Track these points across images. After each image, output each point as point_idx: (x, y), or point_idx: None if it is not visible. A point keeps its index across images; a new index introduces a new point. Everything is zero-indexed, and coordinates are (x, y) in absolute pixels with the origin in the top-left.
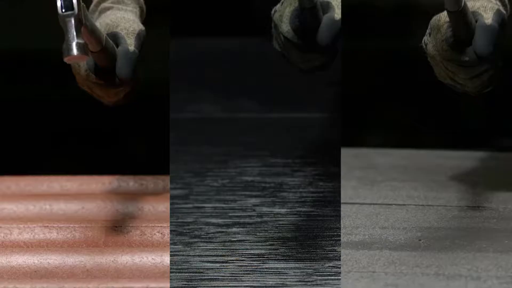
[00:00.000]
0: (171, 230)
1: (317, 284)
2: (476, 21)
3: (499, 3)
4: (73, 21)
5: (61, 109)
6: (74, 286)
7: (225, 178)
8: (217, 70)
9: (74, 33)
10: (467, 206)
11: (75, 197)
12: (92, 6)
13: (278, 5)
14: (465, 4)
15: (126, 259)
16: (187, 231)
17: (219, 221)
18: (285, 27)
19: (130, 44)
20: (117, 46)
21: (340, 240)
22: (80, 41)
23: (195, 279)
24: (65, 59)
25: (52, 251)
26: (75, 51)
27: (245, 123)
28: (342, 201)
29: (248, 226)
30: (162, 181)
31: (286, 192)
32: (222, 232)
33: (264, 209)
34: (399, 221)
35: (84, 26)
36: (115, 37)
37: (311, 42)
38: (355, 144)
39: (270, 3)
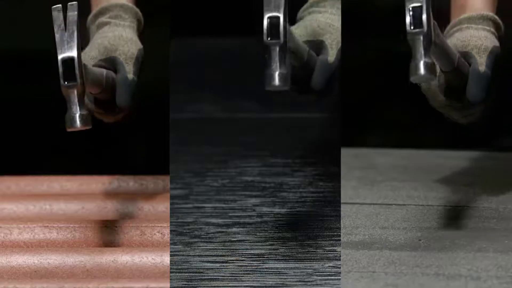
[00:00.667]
0: (171, 230)
1: (317, 284)
2: (470, 64)
3: (493, 29)
4: (76, 92)
5: (61, 109)
6: (74, 286)
7: (225, 178)
8: (217, 70)
9: (77, 104)
10: (467, 206)
11: (75, 197)
12: (90, 17)
13: None
14: (458, 60)
15: (126, 259)
16: (187, 231)
17: (219, 221)
18: None
19: (129, 71)
20: (115, 71)
21: (340, 240)
22: (83, 112)
23: (195, 279)
24: (68, 130)
25: (52, 251)
26: (78, 123)
27: (245, 123)
28: (342, 201)
29: (248, 226)
30: (162, 181)
31: (286, 192)
32: (222, 232)
33: (264, 209)
34: (399, 221)
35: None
36: (113, 63)
37: (305, 86)
38: (355, 144)
39: None
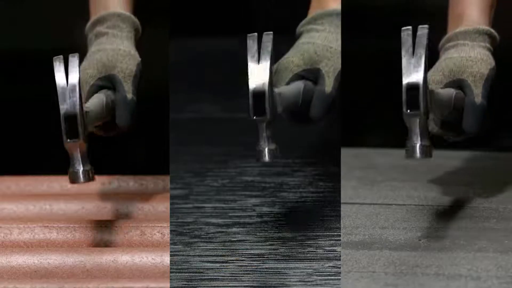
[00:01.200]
0: (171, 230)
1: (317, 284)
2: (465, 94)
3: (488, 44)
4: (78, 149)
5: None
6: (74, 286)
7: (225, 178)
8: (217, 70)
9: (81, 161)
10: (467, 206)
11: (75, 197)
12: (88, 25)
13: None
14: (454, 101)
15: (126, 259)
16: (187, 231)
17: (219, 221)
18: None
19: (128, 90)
20: (114, 89)
21: (340, 240)
22: (87, 168)
23: (195, 279)
24: (71, 184)
25: (52, 251)
26: (81, 179)
27: (245, 123)
28: (342, 201)
29: (248, 226)
30: (162, 181)
31: (286, 192)
32: (222, 232)
33: (264, 209)
34: (399, 221)
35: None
36: (112, 81)
37: (304, 117)
38: (355, 144)
39: (269, 3)
